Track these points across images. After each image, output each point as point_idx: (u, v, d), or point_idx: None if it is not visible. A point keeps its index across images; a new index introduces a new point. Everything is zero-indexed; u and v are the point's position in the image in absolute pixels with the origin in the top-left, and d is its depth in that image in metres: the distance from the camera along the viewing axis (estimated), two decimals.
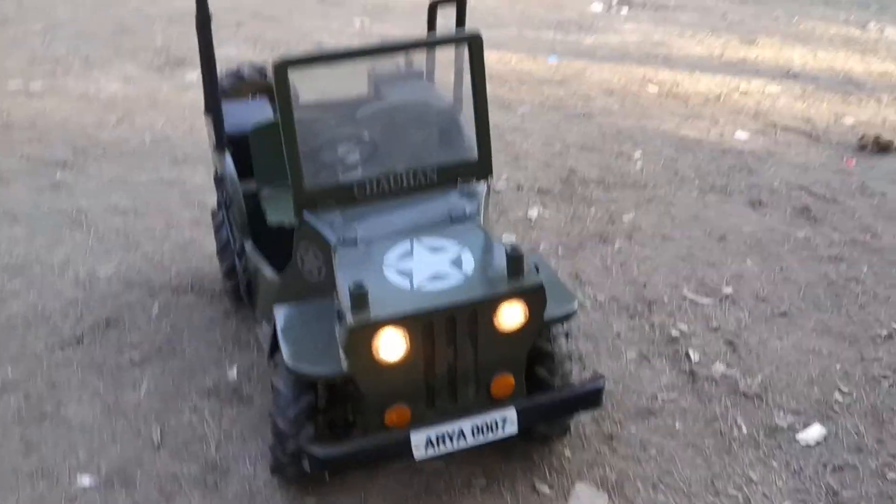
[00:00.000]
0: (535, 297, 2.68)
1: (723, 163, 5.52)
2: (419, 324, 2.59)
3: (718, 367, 3.58)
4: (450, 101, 3.78)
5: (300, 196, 2.91)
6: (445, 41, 2.99)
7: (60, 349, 3.67)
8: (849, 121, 6.23)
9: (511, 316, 2.68)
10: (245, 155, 3.60)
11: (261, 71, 4.13)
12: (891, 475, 3.06)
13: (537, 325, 2.75)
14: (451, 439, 2.71)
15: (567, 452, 3.12)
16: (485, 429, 2.74)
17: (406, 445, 2.67)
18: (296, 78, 2.87)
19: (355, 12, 8.90)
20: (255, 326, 3.78)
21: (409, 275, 2.73)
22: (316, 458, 2.62)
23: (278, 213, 3.43)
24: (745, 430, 3.26)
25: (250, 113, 3.81)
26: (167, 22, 8.32)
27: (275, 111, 3.56)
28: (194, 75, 6.86)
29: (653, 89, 6.80)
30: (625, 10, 9.22)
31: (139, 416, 3.30)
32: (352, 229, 2.89)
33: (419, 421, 2.74)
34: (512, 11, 9.09)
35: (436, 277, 2.71)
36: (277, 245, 3.51)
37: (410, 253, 2.83)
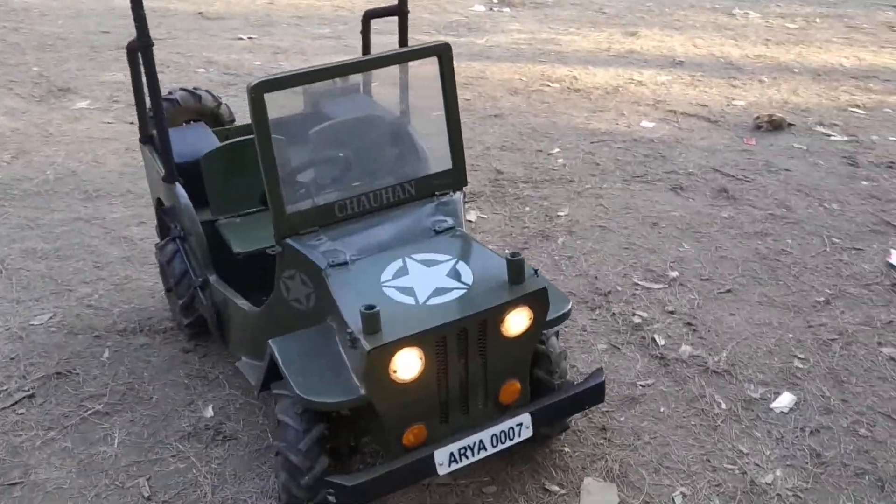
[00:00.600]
0: (539, 301, 2.72)
1: (637, 152, 5.73)
2: (433, 340, 2.57)
3: (685, 349, 3.73)
4: (395, 113, 3.76)
5: (282, 222, 2.82)
6: (417, 54, 2.97)
7: (12, 411, 3.40)
8: (739, 103, 6.62)
9: (517, 322, 2.71)
10: (192, 184, 3.45)
11: (194, 95, 3.97)
12: (862, 431, 3.28)
13: (540, 328, 2.79)
14: (472, 451, 2.71)
15: (567, 449, 3.17)
16: (503, 437, 2.75)
17: (430, 464, 2.64)
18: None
19: (238, 27, 8.67)
20: (220, 362, 3.64)
21: (411, 292, 2.70)
22: (345, 488, 2.54)
23: (244, 241, 3.32)
24: (724, 405, 3.41)
25: (192, 140, 3.66)
26: (38, 49, 7.83)
27: (204, 136, 3.43)
28: (84, 103, 6.54)
29: (554, 86, 6.98)
30: (507, 10, 9.41)
31: (119, 470, 3.10)
32: (339, 251, 2.83)
33: (434, 438, 2.73)
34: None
35: (439, 291, 2.70)
36: (236, 274, 3.39)
37: (405, 269, 2.80)
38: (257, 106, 2.68)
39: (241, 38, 8.28)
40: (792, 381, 3.55)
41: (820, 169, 5.48)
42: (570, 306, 2.91)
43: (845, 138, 5.95)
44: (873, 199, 5.08)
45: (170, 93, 4.02)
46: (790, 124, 6.13)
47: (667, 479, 3.06)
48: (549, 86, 6.98)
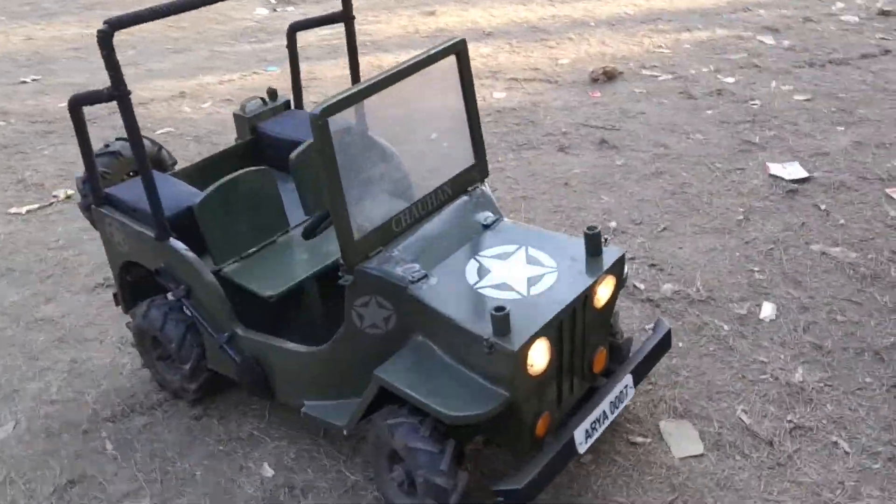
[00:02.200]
0: (620, 268, 2.86)
1: (508, 122, 5.98)
2: (553, 328, 2.63)
3: (666, 287, 4.04)
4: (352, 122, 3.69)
5: (351, 251, 2.71)
6: (439, 55, 2.93)
7: None
8: (564, 61, 7.08)
9: (605, 292, 2.83)
10: (181, 237, 3.17)
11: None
12: (839, 318, 3.78)
13: (618, 293, 2.93)
14: (600, 423, 2.81)
15: (627, 403, 3.35)
16: (617, 402, 2.88)
17: (572, 445, 2.71)
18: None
19: (10, 70, 7.75)
20: (244, 417, 3.39)
21: (507, 287, 2.73)
22: (517, 491, 2.54)
23: (268, 283, 3.12)
24: (725, 327, 3.76)
25: (164, 192, 3.33)
26: None
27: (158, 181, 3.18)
28: None
29: None
30: (290, 9, 9.23)
31: None
32: (410, 265, 2.77)
33: (555, 422, 2.80)
34: (185, 34, 8.60)
35: (533, 280, 2.75)
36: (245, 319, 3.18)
37: (485, 268, 2.82)
38: (323, 133, 2.54)
39: (24, 82, 7.43)
40: (763, 292, 3.98)
41: (667, 107, 6.06)
42: (626, 269, 3.07)
43: (670, 76, 6.60)
44: (724, 125, 5.72)
45: (106, 145, 3.61)
46: (620, 73, 6.68)
47: (724, 403, 3.34)
48: None
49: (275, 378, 3.13)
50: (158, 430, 3.40)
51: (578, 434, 2.72)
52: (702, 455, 3.11)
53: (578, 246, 2.89)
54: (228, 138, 5.90)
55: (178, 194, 3.28)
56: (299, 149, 3.42)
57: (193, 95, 6.93)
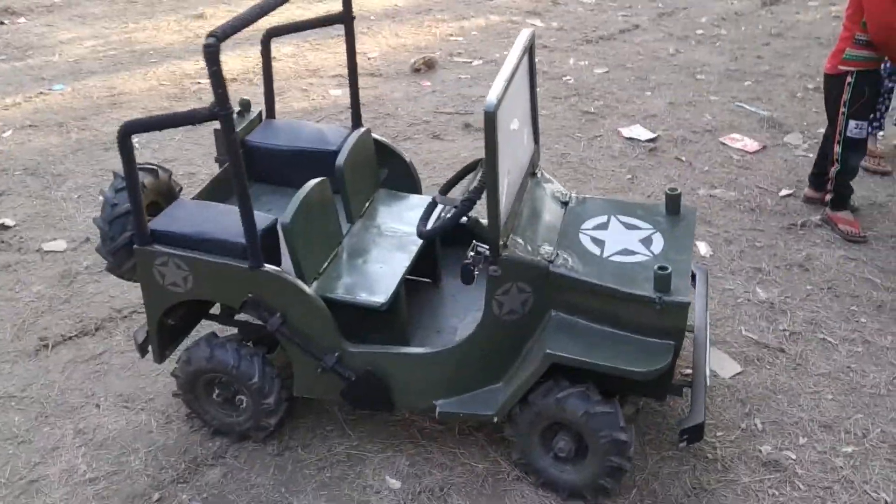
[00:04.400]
0: None
1: (366, 116, 5.93)
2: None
3: None
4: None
5: (500, 242, 2.80)
6: (524, 52, 3.03)
7: None
8: (373, 55, 7.24)
9: None
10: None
11: (150, 172, 3.18)
12: (758, 243, 4.55)
13: None
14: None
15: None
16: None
17: (704, 378, 3.08)
18: None
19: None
20: (330, 439, 3.27)
21: (631, 251, 3.01)
22: (699, 426, 2.85)
23: (372, 292, 3.03)
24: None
25: (216, 219, 3.04)
26: None
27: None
28: None
29: (205, 82, 6.64)
30: (22, 20, 8.17)
31: None
32: (540, 246, 2.94)
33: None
34: None
35: (647, 242, 3.06)
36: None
37: (597, 239, 3.06)
38: (491, 127, 2.60)
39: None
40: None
41: None
42: None
43: (481, 62, 7.09)
44: (557, 100, 6.34)
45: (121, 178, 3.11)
46: (437, 61, 7.02)
47: (728, 326, 3.91)
48: (200, 84, 6.62)
49: (394, 387, 3.06)
50: (243, 476, 3.13)
51: (707, 368, 3.10)
52: (742, 371, 3.64)
53: (654, 207, 3.24)
54: (70, 167, 5.29)
55: (232, 219, 3.02)
56: (344, 156, 3.32)
57: None
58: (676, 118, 6.01)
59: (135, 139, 2.84)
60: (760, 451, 3.23)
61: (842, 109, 4.48)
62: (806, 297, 4.12)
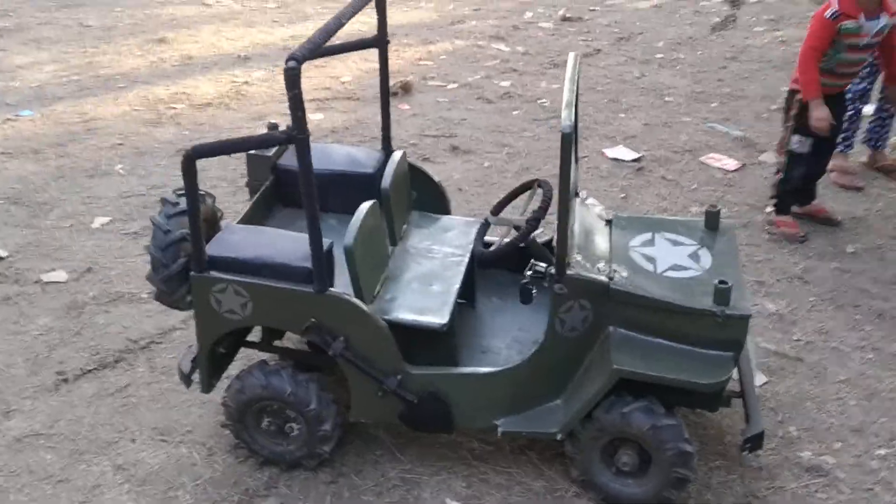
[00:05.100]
0: None
1: (351, 140, 6.03)
2: None
3: None
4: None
5: (564, 262, 2.85)
6: (575, 68, 3.10)
7: None
8: (346, 79, 7.23)
9: None
10: None
11: (202, 198, 3.10)
12: (757, 258, 4.71)
13: None
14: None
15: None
16: None
17: (754, 384, 3.19)
18: None
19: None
20: (394, 462, 3.22)
21: (682, 267, 3.11)
22: (761, 434, 2.96)
23: (432, 313, 3.03)
24: None
25: (271, 244, 3.00)
26: None
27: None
28: None
29: (180, 107, 6.51)
30: None
31: None
32: (598, 264, 3.00)
33: None
34: None
35: (695, 257, 3.16)
36: None
37: (648, 256, 3.14)
38: (567, 148, 2.65)
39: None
40: None
41: (478, 112, 6.61)
42: None
43: (456, 85, 7.15)
44: (537, 122, 6.44)
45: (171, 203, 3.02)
46: (412, 85, 7.05)
47: None
48: (174, 108, 6.48)
49: (455, 408, 3.05)
50: None
51: (756, 376, 3.20)
52: (768, 381, 3.77)
53: (694, 224, 3.35)
54: (54, 195, 5.11)
55: (286, 243, 2.98)
56: (389, 179, 3.31)
57: None
58: (656, 138, 6.18)
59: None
60: (801, 458, 3.35)
61: (789, 122, 4.74)
62: (811, 308, 4.29)
